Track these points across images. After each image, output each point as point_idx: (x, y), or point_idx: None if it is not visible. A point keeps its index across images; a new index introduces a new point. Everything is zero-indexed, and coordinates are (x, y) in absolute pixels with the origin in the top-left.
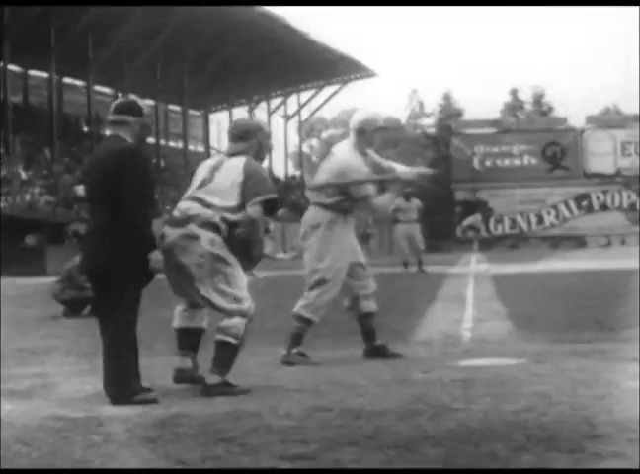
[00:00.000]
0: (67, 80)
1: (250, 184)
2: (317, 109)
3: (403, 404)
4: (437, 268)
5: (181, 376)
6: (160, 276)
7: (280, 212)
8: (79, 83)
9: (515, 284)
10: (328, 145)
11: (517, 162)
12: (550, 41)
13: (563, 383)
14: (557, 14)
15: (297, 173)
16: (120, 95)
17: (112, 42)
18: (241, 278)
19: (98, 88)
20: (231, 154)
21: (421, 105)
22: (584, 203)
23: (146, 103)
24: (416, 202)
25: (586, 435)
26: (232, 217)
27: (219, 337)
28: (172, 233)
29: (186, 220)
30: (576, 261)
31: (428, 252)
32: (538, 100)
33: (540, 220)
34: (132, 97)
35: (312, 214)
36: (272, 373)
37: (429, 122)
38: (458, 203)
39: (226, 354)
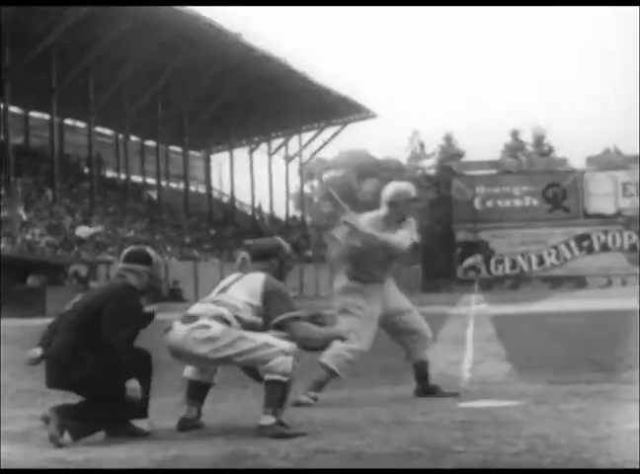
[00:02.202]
0: (68, 121)
1: (272, 303)
2: (318, 150)
3: (402, 446)
4: (437, 308)
5: (185, 425)
6: (158, 319)
7: None
8: (80, 124)
9: (514, 325)
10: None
11: (517, 203)
12: (551, 82)
13: (562, 425)
14: (557, 56)
15: (298, 214)
16: (120, 136)
17: (113, 84)
18: (260, 334)
19: (99, 129)
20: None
21: (422, 146)
22: (584, 244)
23: (155, 253)
24: None
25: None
26: (246, 317)
27: (268, 376)
28: (181, 328)
29: (198, 316)
30: (576, 301)
31: (428, 292)
32: (539, 141)
33: (541, 261)
34: (143, 247)
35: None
36: None
37: (430, 163)
38: (459, 244)
39: (277, 392)
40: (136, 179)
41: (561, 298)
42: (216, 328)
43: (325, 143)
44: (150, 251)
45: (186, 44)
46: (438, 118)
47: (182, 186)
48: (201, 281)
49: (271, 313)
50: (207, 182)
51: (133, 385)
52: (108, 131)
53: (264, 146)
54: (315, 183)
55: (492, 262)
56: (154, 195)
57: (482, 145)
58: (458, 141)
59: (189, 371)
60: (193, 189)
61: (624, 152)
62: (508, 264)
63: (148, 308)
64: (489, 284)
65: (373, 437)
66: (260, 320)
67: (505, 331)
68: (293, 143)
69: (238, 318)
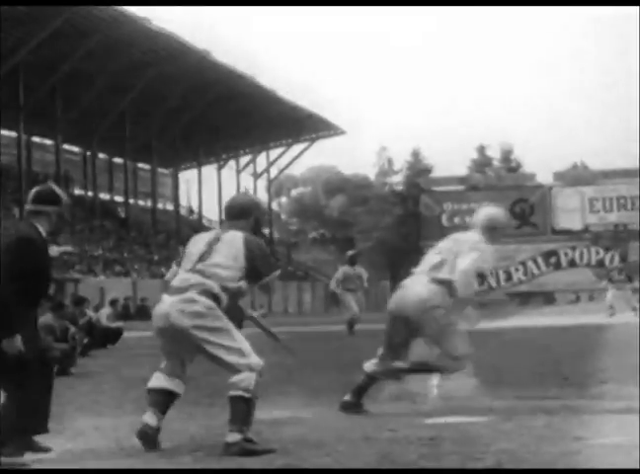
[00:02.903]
0: (36, 139)
1: (258, 262)
2: (286, 166)
3: (370, 462)
4: None
5: (146, 432)
6: (126, 336)
7: None
8: (48, 142)
9: (482, 341)
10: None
11: None
12: (518, 98)
13: (529, 440)
14: (523, 72)
15: (266, 230)
16: (88, 154)
17: (80, 101)
18: (241, 336)
19: (67, 147)
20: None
21: (389, 162)
22: (552, 260)
23: (64, 193)
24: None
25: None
26: (232, 285)
27: (232, 393)
28: (169, 300)
29: (186, 288)
30: (544, 317)
31: None
32: (506, 156)
33: (509, 277)
34: (51, 185)
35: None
36: None
37: (397, 179)
38: None
39: (242, 408)
40: (104, 196)
41: (529, 314)
42: (203, 303)
43: (293, 160)
44: (59, 190)
45: (154, 62)
46: (405, 134)
47: (150, 203)
48: None
49: (256, 272)
50: (175, 199)
51: (12, 342)
52: (75, 149)
53: (232, 163)
54: (283, 199)
55: None
56: (123, 213)
57: (450, 161)
58: (426, 157)
59: (153, 382)
60: (161, 206)
61: (591, 167)
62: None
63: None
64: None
65: (341, 454)
66: (244, 284)
67: (473, 347)
68: (261, 160)
69: (225, 289)
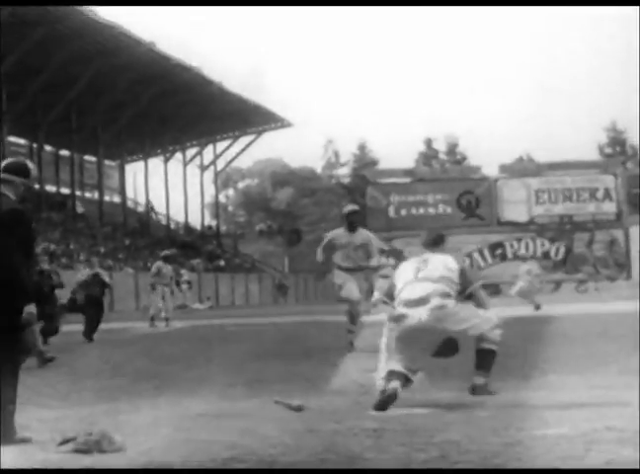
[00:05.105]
0: None
1: (467, 276)
2: (233, 159)
3: (315, 453)
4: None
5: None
6: (73, 328)
7: (196, 262)
8: None
9: None
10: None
11: (431, 211)
12: (464, 91)
13: (473, 431)
14: (470, 64)
15: (213, 223)
16: (34, 146)
17: (26, 93)
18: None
19: (12, 139)
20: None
21: (336, 154)
22: (498, 251)
23: (34, 168)
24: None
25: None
26: (453, 290)
27: (485, 345)
28: (419, 311)
29: (425, 298)
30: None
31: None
32: (452, 149)
33: None
34: (23, 159)
35: None
36: (186, 424)
37: (344, 172)
38: None
39: (490, 359)
40: (51, 189)
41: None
42: (452, 305)
43: (240, 152)
44: (31, 165)
45: (100, 53)
46: (352, 126)
47: (96, 195)
48: (116, 291)
49: (465, 284)
50: (122, 191)
51: (31, 310)
52: (21, 141)
53: (179, 155)
54: (230, 192)
55: None
56: (80, 209)
57: (396, 153)
58: (372, 150)
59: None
60: (107, 198)
61: (537, 160)
62: None
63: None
64: None
65: (286, 446)
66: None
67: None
68: (208, 152)
69: (451, 289)
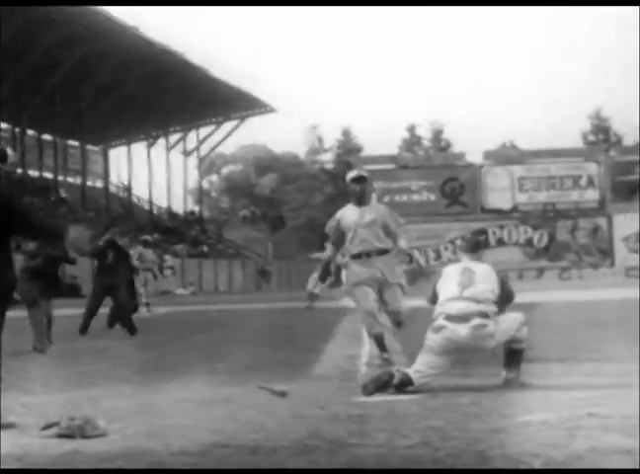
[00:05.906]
0: None
1: (507, 287)
2: (217, 145)
3: (299, 439)
4: (336, 304)
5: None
6: (57, 314)
7: (179, 248)
8: None
9: (411, 320)
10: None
11: (415, 198)
12: (448, 77)
13: (457, 417)
14: (455, 51)
15: (196, 208)
16: (17, 130)
17: (10, 78)
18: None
19: None
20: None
21: (320, 140)
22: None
23: (13, 154)
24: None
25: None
26: (494, 307)
27: (516, 346)
28: (459, 327)
29: (468, 316)
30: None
31: (327, 288)
32: (436, 136)
33: (438, 255)
34: (3, 147)
35: None
36: (169, 410)
37: (328, 158)
38: None
39: (519, 357)
40: (33, 173)
41: None
42: (491, 326)
43: (224, 138)
44: (10, 151)
45: (84, 38)
46: (336, 112)
47: (80, 180)
48: None
49: (506, 295)
50: (105, 176)
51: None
52: (4, 125)
53: (162, 141)
54: (214, 177)
55: None
56: (63, 193)
57: (380, 140)
58: (356, 136)
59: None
60: (90, 183)
61: (520, 147)
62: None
63: None
64: None
65: (270, 431)
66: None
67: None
68: (192, 138)
69: (492, 310)
